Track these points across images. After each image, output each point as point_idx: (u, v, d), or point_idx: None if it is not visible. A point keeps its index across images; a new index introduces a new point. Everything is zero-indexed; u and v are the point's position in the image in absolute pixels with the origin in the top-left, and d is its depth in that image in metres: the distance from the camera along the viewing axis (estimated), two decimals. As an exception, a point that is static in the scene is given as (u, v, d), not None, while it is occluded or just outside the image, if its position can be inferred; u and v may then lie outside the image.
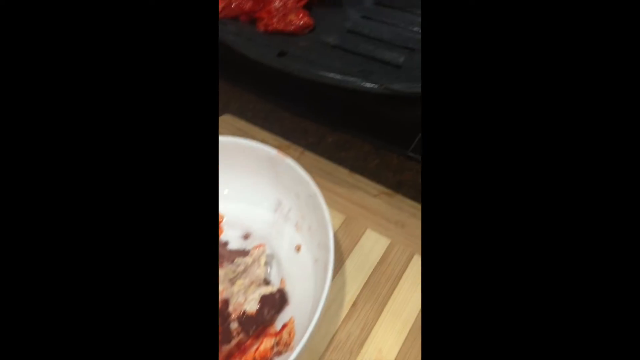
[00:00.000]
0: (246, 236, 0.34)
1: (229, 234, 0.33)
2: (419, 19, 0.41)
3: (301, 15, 0.39)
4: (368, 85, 0.36)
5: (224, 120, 0.44)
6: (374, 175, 0.39)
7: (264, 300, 0.28)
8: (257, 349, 0.27)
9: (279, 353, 0.27)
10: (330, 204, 0.36)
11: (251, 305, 0.27)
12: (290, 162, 0.31)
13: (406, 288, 0.31)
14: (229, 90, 0.48)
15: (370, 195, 0.37)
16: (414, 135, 0.42)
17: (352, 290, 0.31)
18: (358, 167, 0.40)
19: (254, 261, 0.30)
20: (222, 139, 0.33)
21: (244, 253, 0.32)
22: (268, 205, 0.34)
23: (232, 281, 0.29)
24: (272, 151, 0.32)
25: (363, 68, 0.37)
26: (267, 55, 0.39)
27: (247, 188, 0.34)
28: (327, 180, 0.38)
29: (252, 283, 0.29)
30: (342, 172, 0.39)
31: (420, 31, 0.40)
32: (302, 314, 0.28)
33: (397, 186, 0.38)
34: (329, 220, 0.28)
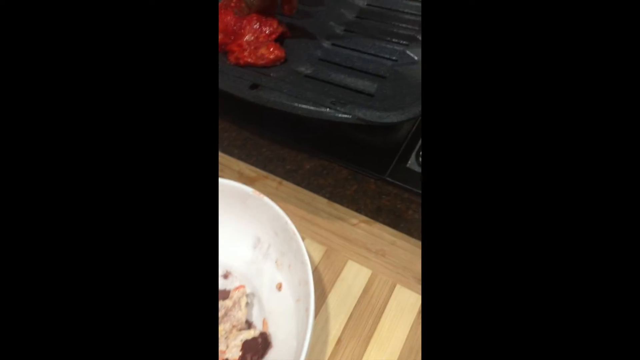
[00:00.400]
0: (226, 275, 0.32)
1: (209, 273, 0.32)
2: (389, 46, 0.41)
3: (272, 48, 0.39)
4: (342, 116, 0.35)
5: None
6: (353, 201, 0.39)
7: (247, 345, 0.27)
8: (241, 397, 0.26)
9: (264, 400, 0.26)
10: (311, 235, 0.35)
11: (233, 353, 0.26)
12: (267, 200, 0.30)
13: (390, 320, 0.30)
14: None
15: (350, 225, 0.36)
16: (391, 159, 0.41)
17: (336, 326, 0.30)
18: (337, 193, 0.39)
19: (234, 304, 0.29)
20: None
21: (224, 294, 0.31)
22: (247, 242, 0.33)
23: (213, 327, 0.27)
24: (248, 190, 0.31)
25: (336, 98, 0.36)
26: (240, 87, 0.38)
27: (225, 225, 0.33)
28: (306, 210, 0.37)
29: (233, 327, 0.28)
30: (321, 202, 0.38)
31: (391, 58, 0.40)
32: (286, 357, 0.27)
33: (376, 212, 0.38)
34: (308, 262, 0.27)
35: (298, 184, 0.40)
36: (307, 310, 0.26)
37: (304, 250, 0.27)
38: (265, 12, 0.40)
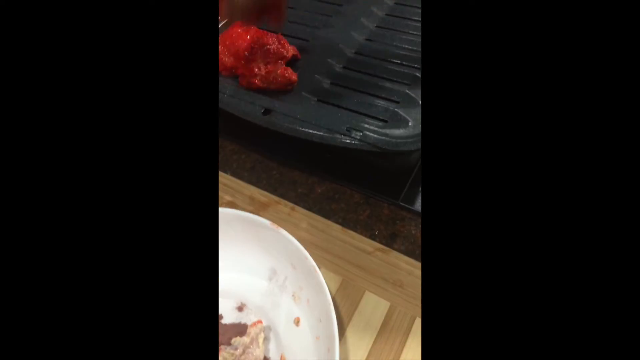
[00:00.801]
0: (240, 308, 0.31)
1: (223, 305, 0.31)
2: (401, 69, 0.41)
3: (284, 72, 0.38)
4: (357, 143, 0.34)
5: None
6: (366, 227, 0.38)
7: (266, 386, 0.26)
8: None
9: None
10: (326, 264, 0.34)
11: (253, 395, 0.25)
12: (285, 233, 0.29)
13: (411, 356, 0.29)
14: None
15: (366, 253, 0.35)
16: (404, 183, 0.40)
17: (355, 361, 0.29)
18: (349, 219, 0.39)
19: (252, 341, 0.28)
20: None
21: (239, 328, 0.29)
22: (262, 273, 0.32)
23: (231, 367, 0.26)
24: (265, 221, 0.30)
25: (350, 124, 0.36)
26: (253, 113, 0.37)
27: (239, 256, 0.32)
28: (320, 238, 0.36)
29: (251, 367, 0.27)
30: (335, 229, 0.37)
31: (404, 82, 0.40)
32: None
33: (391, 239, 0.37)
34: (330, 301, 0.26)
35: (309, 208, 0.39)
36: (329, 350, 0.25)
37: (326, 288, 0.26)
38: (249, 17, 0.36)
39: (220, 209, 0.31)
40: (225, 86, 0.40)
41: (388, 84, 0.39)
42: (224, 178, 0.42)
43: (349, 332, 0.30)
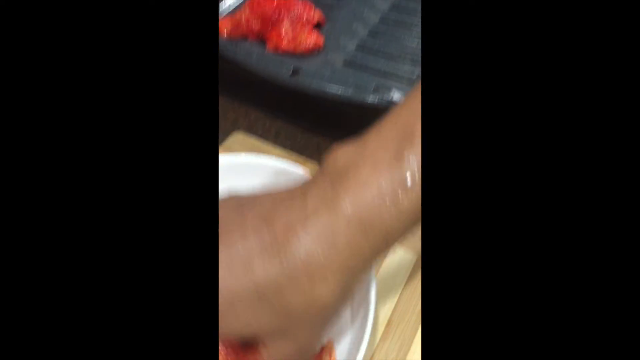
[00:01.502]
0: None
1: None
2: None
3: (311, 35, 0.37)
4: (386, 102, 0.34)
5: (236, 138, 0.42)
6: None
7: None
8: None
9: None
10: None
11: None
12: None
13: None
14: (237, 107, 0.46)
15: (392, 210, 0.35)
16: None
17: (384, 309, 0.29)
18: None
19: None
20: (251, 158, 0.32)
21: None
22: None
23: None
24: (299, 171, 0.30)
25: (378, 84, 0.35)
26: (281, 74, 0.37)
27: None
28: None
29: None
30: (361, 188, 0.37)
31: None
32: (339, 335, 0.26)
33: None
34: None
35: (335, 171, 0.39)
36: (364, 316, 0.25)
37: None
38: None
39: (263, 157, 0.32)
40: (253, 50, 0.40)
41: (413, 46, 0.39)
42: (249, 141, 0.42)
43: (377, 283, 0.30)
